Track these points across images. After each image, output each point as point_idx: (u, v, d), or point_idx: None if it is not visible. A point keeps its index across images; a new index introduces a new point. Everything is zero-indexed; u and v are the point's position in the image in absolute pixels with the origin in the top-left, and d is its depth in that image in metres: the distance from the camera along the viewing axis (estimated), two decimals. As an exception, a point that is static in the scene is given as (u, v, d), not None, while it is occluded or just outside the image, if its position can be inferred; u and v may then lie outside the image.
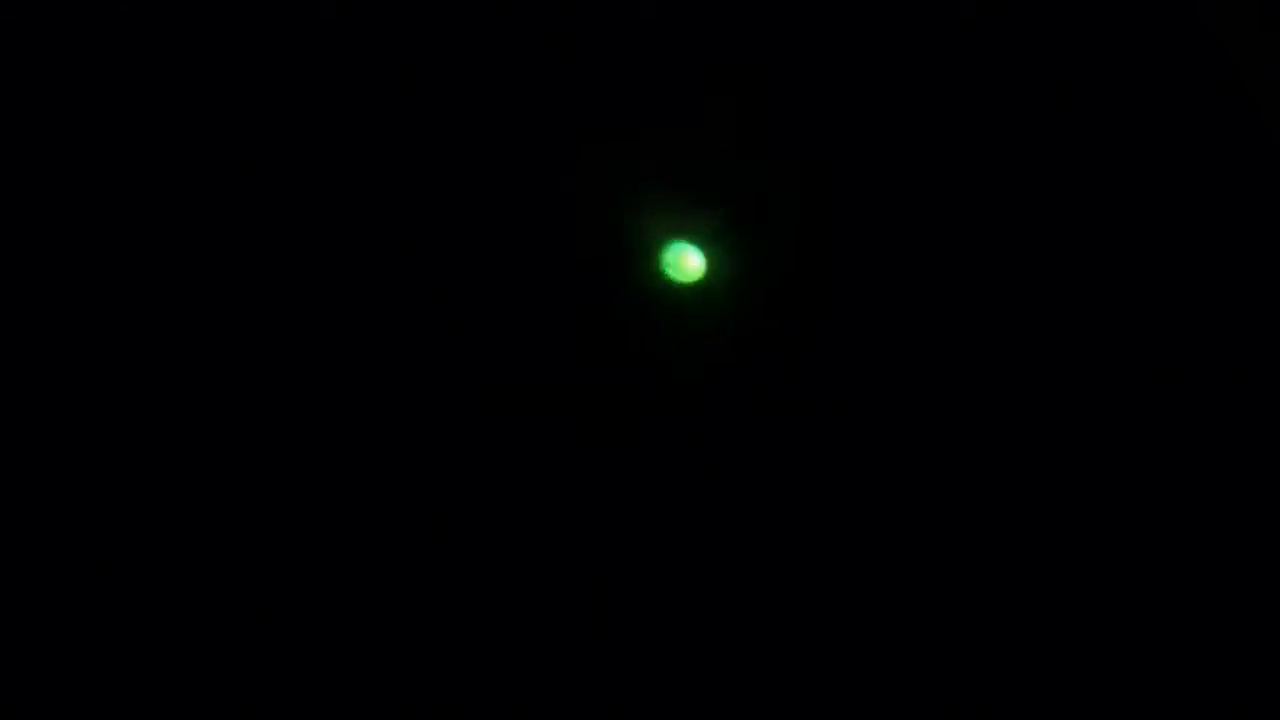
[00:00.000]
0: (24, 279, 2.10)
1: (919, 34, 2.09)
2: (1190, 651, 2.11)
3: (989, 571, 2.17)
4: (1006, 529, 2.17)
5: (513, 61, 2.08)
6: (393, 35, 2.08)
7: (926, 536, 2.18)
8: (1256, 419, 2.14)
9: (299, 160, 2.13)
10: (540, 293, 2.15)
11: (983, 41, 2.10)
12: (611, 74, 2.06)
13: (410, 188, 2.15)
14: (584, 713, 2.15)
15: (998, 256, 2.16)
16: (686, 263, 2.06)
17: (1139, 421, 2.16)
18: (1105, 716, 2.13)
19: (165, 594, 2.11)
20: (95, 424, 2.12)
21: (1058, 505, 2.17)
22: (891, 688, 2.16)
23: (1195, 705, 2.10)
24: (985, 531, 2.18)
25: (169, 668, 2.10)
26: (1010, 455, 2.18)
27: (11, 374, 2.10)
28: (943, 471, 2.19)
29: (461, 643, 2.16)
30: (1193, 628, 2.12)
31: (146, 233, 2.14)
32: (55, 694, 2.06)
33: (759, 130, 2.10)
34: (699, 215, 2.06)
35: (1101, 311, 2.17)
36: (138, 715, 2.08)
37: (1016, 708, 2.14)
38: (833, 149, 2.14)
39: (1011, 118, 2.12)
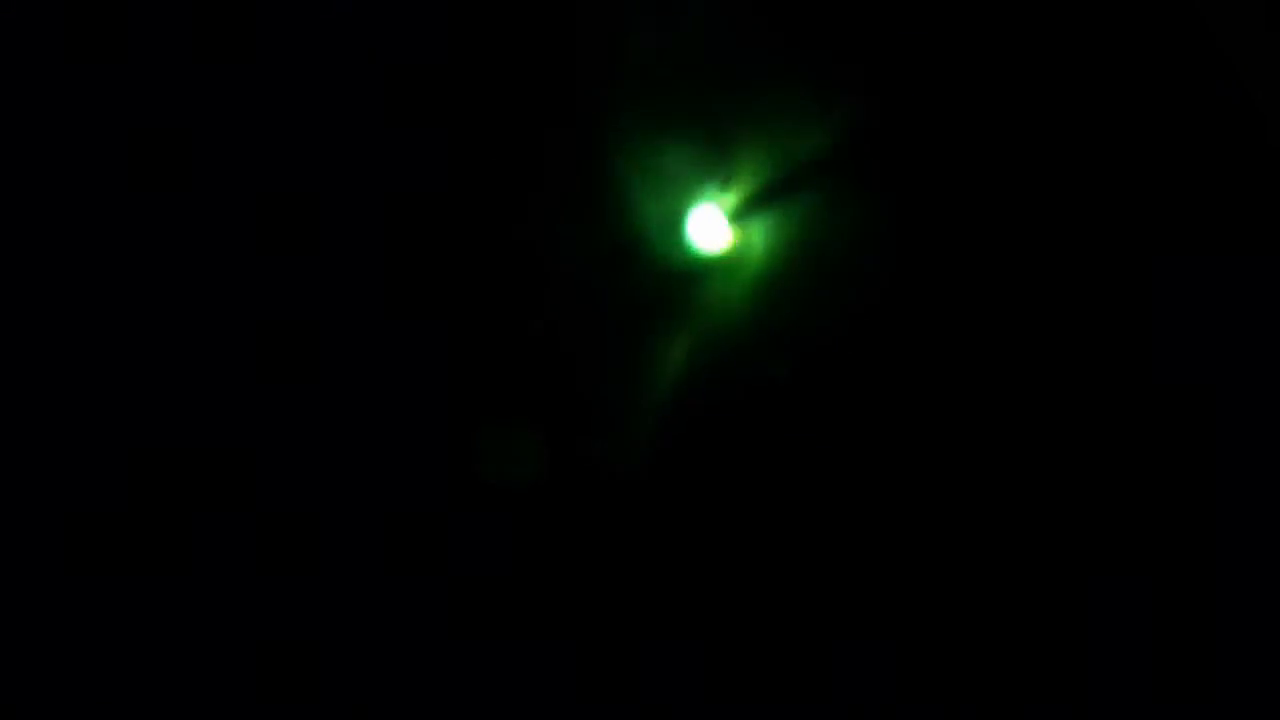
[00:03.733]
0: (24, 279, 2.10)
1: (930, 32, 2.11)
2: (1190, 651, 2.11)
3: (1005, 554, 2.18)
4: (1013, 508, 2.18)
5: (539, 40, 2.10)
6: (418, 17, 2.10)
7: (940, 517, 2.19)
8: (1257, 419, 2.14)
9: (320, 152, 2.15)
10: (567, 269, 2.17)
11: (987, 41, 2.12)
12: (636, 49, 2.09)
13: (438, 167, 2.17)
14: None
15: (1002, 250, 2.17)
16: (713, 236, 2.09)
17: (1139, 421, 2.17)
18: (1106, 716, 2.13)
19: (165, 593, 2.12)
20: (94, 423, 2.12)
21: (1062, 499, 2.18)
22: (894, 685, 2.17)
23: (1195, 705, 2.10)
24: (995, 512, 2.19)
25: (168, 667, 2.10)
26: (1012, 441, 2.19)
27: (11, 374, 2.10)
28: (951, 455, 2.20)
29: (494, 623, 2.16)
30: (1193, 628, 2.12)
31: (146, 233, 2.14)
32: (55, 694, 2.06)
33: (784, 109, 2.13)
34: (725, 189, 2.09)
35: (1101, 310, 2.17)
36: (138, 715, 2.09)
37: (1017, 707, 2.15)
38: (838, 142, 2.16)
39: (1014, 115, 2.14)
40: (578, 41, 2.11)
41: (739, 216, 2.12)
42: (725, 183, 2.09)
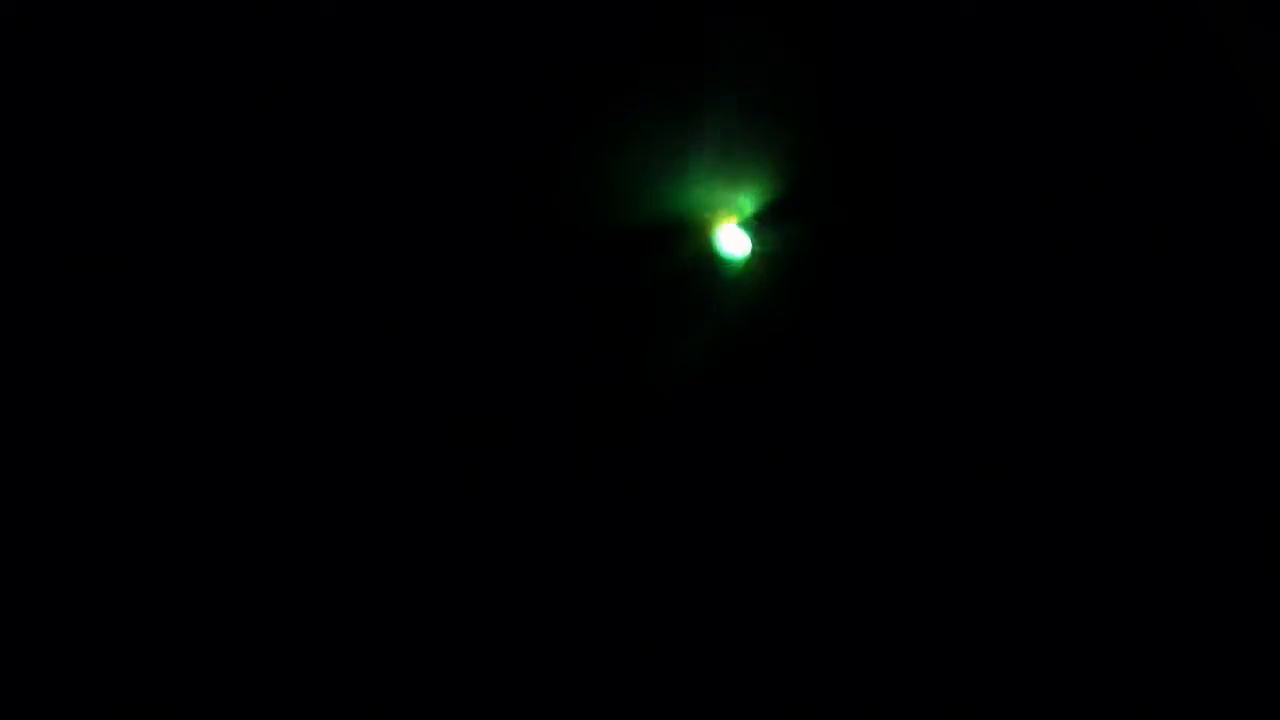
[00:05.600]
0: (24, 279, 2.10)
1: (935, 34, 2.13)
2: (1190, 652, 2.12)
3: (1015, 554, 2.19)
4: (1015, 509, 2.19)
5: (569, 46, 2.12)
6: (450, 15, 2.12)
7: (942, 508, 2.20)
8: (1256, 419, 2.14)
9: (378, 146, 2.15)
10: (598, 269, 2.19)
11: (989, 41, 2.13)
12: (665, 60, 2.11)
13: (470, 166, 2.18)
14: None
15: (1004, 250, 2.18)
16: (738, 241, 2.14)
17: (1139, 419, 2.17)
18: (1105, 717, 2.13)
19: (166, 594, 2.11)
20: (95, 424, 2.12)
21: (1064, 498, 2.19)
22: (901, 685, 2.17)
23: (1195, 705, 2.10)
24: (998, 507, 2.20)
25: (169, 668, 2.10)
26: (1016, 441, 2.20)
27: (11, 374, 2.09)
28: (957, 454, 2.21)
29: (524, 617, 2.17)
30: (1193, 628, 2.12)
31: (146, 233, 2.14)
32: (55, 694, 2.05)
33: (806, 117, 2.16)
34: (749, 195, 2.13)
35: (1102, 309, 2.18)
36: (137, 715, 2.08)
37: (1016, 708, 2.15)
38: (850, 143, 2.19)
39: (1017, 118, 2.15)
40: (607, 49, 2.13)
41: (759, 222, 2.16)
42: (746, 189, 2.13)
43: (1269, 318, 2.14)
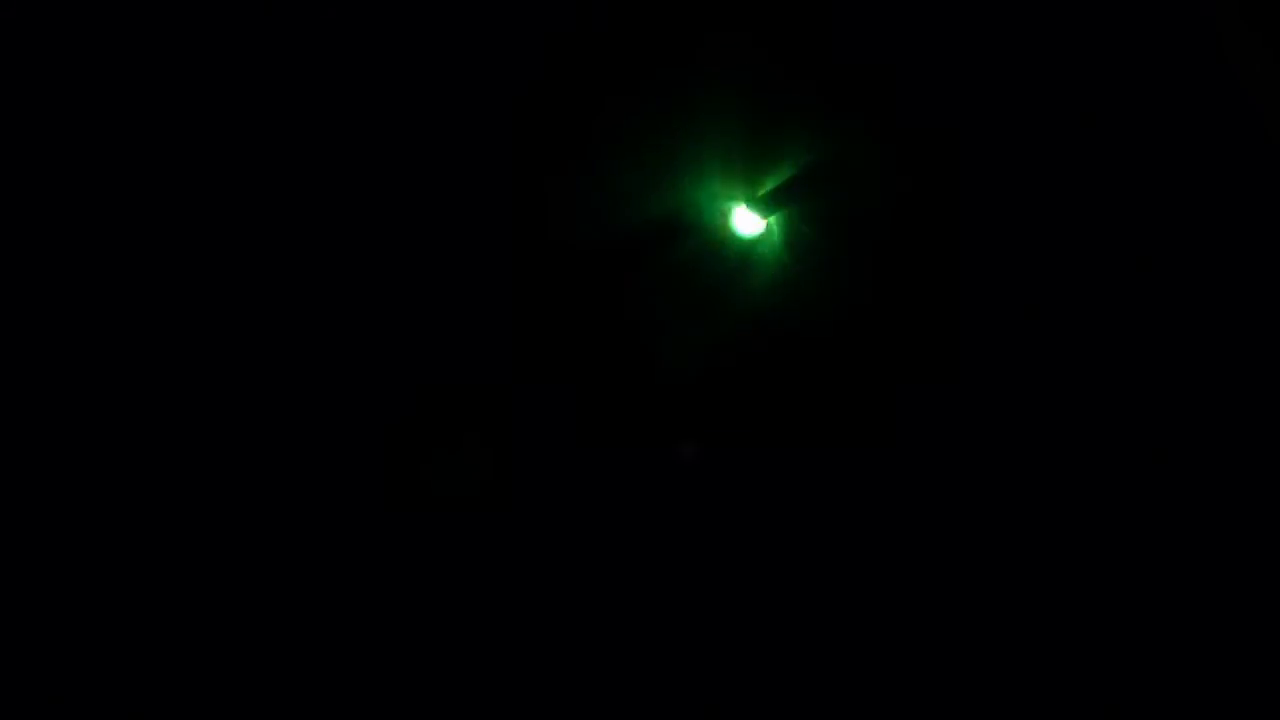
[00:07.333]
0: (24, 279, 2.10)
1: (936, 33, 2.14)
2: (1190, 652, 2.12)
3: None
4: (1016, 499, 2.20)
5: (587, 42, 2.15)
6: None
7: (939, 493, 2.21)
8: (1257, 419, 2.14)
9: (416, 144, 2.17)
10: (620, 246, 2.25)
11: (989, 41, 2.13)
12: (684, 55, 2.15)
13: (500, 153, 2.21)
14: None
15: (1004, 248, 2.19)
16: (748, 224, 2.22)
17: (1139, 419, 2.17)
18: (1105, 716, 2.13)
19: (166, 594, 2.11)
20: (95, 424, 2.12)
21: (1063, 494, 2.19)
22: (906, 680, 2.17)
23: (1195, 705, 2.10)
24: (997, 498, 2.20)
25: (169, 668, 2.10)
26: (1011, 438, 2.20)
27: (11, 374, 2.10)
28: (944, 442, 2.22)
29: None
30: (1193, 628, 2.12)
31: (147, 233, 2.14)
32: (55, 694, 2.06)
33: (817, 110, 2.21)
34: (762, 180, 2.22)
35: (1101, 308, 2.18)
36: (137, 715, 2.08)
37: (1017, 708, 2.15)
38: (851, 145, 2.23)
39: (1017, 114, 2.16)
40: (641, 59, 2.19)
41: (768, 209, 2.29)
42: (758, 181, 2.25)
43: (1269, 317, 2.14)
